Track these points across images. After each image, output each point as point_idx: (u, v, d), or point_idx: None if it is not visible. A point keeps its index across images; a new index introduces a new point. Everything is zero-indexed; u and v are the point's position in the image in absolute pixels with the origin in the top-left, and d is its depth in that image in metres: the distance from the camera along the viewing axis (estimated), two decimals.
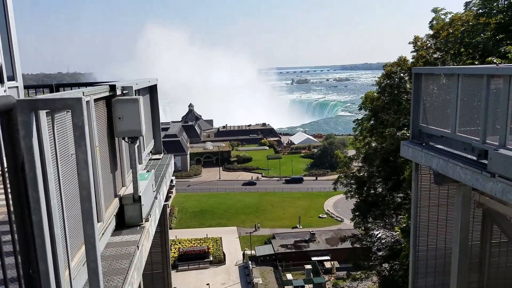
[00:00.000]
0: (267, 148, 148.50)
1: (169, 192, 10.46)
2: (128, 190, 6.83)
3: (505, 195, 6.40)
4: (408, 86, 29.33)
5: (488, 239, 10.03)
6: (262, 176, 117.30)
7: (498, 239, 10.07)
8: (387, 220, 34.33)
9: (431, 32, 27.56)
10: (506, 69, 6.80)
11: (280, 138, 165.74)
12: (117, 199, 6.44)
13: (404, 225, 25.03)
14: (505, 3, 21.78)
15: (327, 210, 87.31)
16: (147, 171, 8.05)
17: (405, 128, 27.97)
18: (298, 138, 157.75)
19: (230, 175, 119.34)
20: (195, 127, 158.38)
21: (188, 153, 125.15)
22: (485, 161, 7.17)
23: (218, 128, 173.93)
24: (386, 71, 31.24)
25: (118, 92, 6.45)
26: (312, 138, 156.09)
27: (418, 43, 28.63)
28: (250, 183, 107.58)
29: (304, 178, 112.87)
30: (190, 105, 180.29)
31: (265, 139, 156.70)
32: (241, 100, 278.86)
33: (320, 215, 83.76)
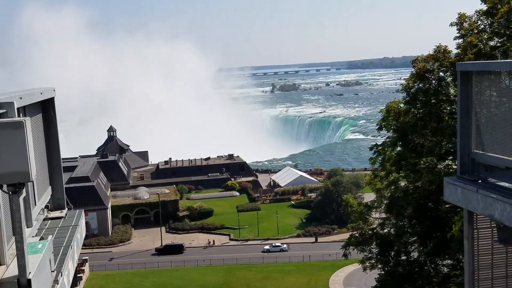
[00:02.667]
0: (237, 194, 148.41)
1: (78, 270, 10.27)
2: (10, 270, 6.68)
3: None
4: (452, 91, 30.08)
5: None
6: (231, 239, 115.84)
7: None
8: None
9: (484, 7, 28.39)
10: None
11: (257, 177, 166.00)
12: None
13: None
14: None
15: None
16: (41, 239, 7.90)
17: (450, 157, 28.57)
18: (285, 177, 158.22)
19: (179, 239, 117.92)
20: (119, 164, 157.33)
21: (109, 206, 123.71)
22: None
23: (157, 164, 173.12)
24: (417, 69, 31.98)
25: None
26: (308, 177, 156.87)
27: (465, 25, 29.45)
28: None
29: (298, 240, 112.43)
30: (111, 129, 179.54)
31: (233, 179, 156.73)
32: (192, 120, 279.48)
33: None
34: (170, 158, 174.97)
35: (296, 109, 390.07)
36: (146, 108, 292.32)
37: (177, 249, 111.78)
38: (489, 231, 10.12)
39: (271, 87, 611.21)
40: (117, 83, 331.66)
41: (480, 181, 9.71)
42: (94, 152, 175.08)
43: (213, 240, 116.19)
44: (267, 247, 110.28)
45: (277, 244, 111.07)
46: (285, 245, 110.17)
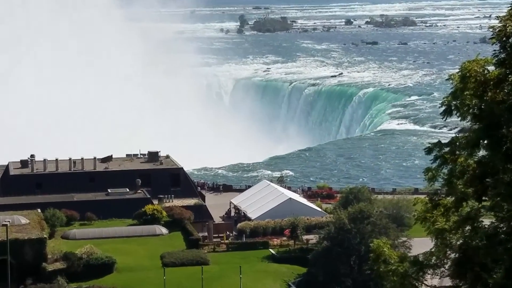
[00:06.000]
0: (164, 231, 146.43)
1: None
2: None
3: None
4: None
5: None
6: None
7: None
8: None
9: None
10: None
11: (204, 199, 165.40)
12: None
13: None
14: None
15: None
16: None
17: None
18: (259, 202, 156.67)
19: None
20: None
21: None
22: None
23: (6, 167, 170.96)
24: None
25: None
26: (303, 202, 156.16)
27: None
28: None
29: None
30: None
31: (156, 203, 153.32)
32: (73, 84, 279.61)
33: None
34: (32, 156, 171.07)
35: (286, 67, 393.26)
36: None
37: None
38: None
39: (238, 23, 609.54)
40: None
41: None
42: None
43: None
44: None
45: None
46: None
